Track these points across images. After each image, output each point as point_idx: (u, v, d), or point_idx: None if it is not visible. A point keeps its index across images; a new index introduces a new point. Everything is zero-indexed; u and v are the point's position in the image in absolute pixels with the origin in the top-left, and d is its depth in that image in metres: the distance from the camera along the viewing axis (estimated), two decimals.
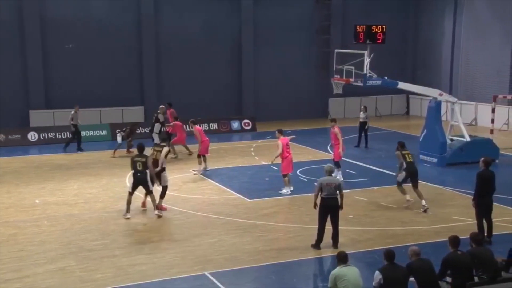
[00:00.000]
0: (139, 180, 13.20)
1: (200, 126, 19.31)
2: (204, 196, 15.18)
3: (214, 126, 25.60)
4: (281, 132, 15.39)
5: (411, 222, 13.07)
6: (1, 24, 23.82)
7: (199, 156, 17.60)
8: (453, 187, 15.87)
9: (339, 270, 8.02)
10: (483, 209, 11.44)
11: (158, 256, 11.04)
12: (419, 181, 14.06)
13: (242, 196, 15.15)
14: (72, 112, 21.17)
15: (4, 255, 11.08)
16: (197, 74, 26.97)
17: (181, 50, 26.58)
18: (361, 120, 21.55)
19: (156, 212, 13.40)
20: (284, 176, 15.27)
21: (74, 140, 21.29)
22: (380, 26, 18.55)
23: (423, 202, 13.74)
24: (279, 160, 15.30)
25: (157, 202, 13.51)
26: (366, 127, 21.49)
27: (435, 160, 18.59)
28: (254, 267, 10.63)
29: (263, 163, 18.92)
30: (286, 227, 12.78)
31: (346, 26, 27.44)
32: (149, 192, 13.34)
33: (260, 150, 21.44)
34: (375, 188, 15.89)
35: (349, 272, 7.99)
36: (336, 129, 16.35)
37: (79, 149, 21.22)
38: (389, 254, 8.05)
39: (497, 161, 18.12)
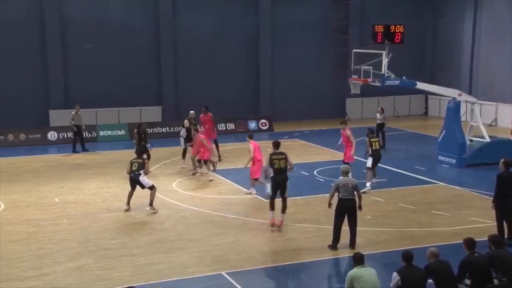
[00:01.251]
0: (132, 180, 13.78)
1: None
2: (221, 196, 15.21)
3: (231, 126, 25.65)
4: (251, 136, 15.60)
5: (429, 223, 12.95)
6: (22, 25, 24.15)
7: (205, 162, 16.78)
8: (473, 189, 15.68)
9: (356, 271, 7.98)
10: (503, 211, 11.29)
11: (175, 256, 11.08)
12: (440, 182, 13.91)
13: (259, 196, 15.15)
14: (73, 112, 20.95)
15: (24, 253, 11.24)
16: (214, 74, 27.04)
17: (199, 50, 26.68)
18: (378, 121, 21.36)
19: (148, 208, 13.69)
20: (255, 179, 15.04)
21: (77, 141, 20.99)
22: (398, 26, 18.40)
23: (374, 180, 15.63)
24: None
25: (281, 220, 12.50)
26: (383, 128, 21.30)
27: (454, 161, 18.40)
28: (270, 267, 10.63)
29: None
30: (302, 227, 12.74)
31: (364, 26, 27.27)
32: (150, 188, 13.74)
33: None
34: (393, 189, 15.77)
35: (366, 273, 7.94)
36: (348, 132, 16.16)
37: (84, 149, 20.99)
38: (407, 255, 7.99)
39: None
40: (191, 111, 19.09)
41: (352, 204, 11.11)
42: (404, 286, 7.76)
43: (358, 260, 8.08)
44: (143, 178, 13.72)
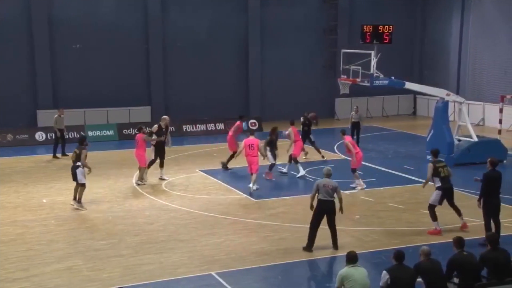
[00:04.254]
0: (71, 171, 13.76)
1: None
2: (210, 196, 15.20)
3: (220, 126, 25.61)
4: (252, 133, 16.13)
5: (418, 222, 13.03)
6: (9, 24, 23.94)
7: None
8: (461, 188, 15.77)
9: (346, 270, 8.01)
10: (491, 210, 11.39)
11: (165, 256, 11.06)
12: (429, 182, 13.91)
13: (248, 196, 15.16)
14: (56, 115, 20.36)
15: (12, 254, 11.15)
16: (203, 74, 27.02)
17: (188, 50, 26.64)
18: (353, 120, 21.28)
19: (75, 204, 13.75)
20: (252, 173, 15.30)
21: (59, 144, 20.21)
22: (387, 26, 18.51)
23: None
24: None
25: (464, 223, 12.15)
26: (359, 127, 21.09)
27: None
28: (261, 267, 10.64)
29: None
30: (293, 227, 12.75)
31: (353, 26, 27.38)
32: (79, 185, 13.66)
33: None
34: (382, 188, 15.84)
35: (356, 272, 7.98)
36: (347, 140, 15.76)
37: (64, 154, 20.04)
38: (398, 255, 8.03)
39: (505, 161, 18.03)
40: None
41: (331, 205, 11.00)
42: (394, 285, 7.80)
43: (350, 259, 8.10)
44: (80, 171, 13.56)
